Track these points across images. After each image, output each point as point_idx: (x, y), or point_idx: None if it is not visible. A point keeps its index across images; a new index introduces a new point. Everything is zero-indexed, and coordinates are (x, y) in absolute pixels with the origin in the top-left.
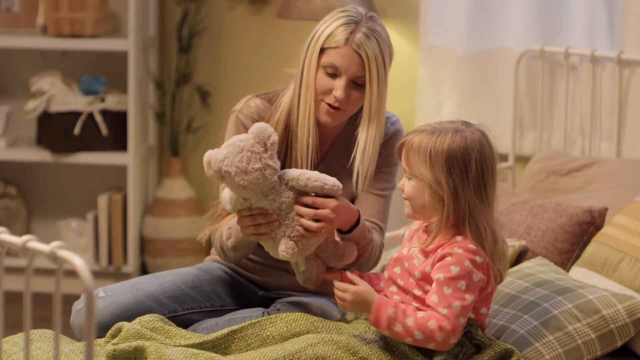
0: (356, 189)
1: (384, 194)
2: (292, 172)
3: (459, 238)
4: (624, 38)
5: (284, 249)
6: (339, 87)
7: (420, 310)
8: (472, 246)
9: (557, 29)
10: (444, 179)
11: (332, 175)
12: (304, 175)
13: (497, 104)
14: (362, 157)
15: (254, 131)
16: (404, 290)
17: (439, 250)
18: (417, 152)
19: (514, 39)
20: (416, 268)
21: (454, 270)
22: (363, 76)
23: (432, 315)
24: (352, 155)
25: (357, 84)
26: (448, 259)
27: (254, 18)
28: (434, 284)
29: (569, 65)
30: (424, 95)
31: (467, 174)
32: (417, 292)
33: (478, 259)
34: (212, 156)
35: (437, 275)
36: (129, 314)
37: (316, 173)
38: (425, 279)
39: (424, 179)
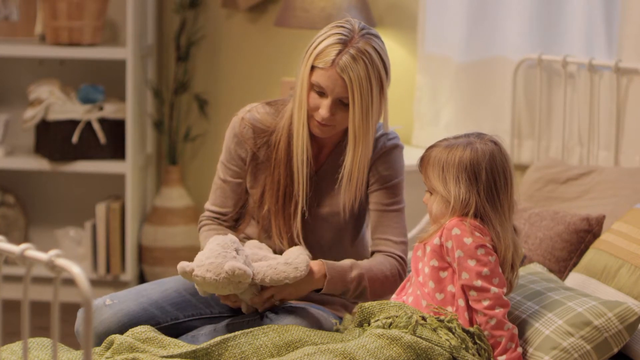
0: (344, 215)
1: (393, 208)
2: (258, 268)
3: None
4: (622, 46)
5: (245, 310)
6: (324, 106)
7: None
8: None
9: (555, 37)
10: (453, 188)
11: (326, 187)
12: (267, 275)
13: (495, 113)
14: (348, 180)
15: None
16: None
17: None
18: (433, 166)
19: (511, 48)
20: (425, 255)
21: (468, 241)
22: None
23: (482, 308)
24: (339, 178)
25: (344, 103)
26: (454, 231)
27: (252, 27)
28: (459, 266)
29: (566, 73)
30: (422, 104)
31: (476, 183)
32: (435, 263)
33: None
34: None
35: (457, 254)
36: (135, 322)
37: (282, 266)
38: (435, 251)
39: (438, 191)
